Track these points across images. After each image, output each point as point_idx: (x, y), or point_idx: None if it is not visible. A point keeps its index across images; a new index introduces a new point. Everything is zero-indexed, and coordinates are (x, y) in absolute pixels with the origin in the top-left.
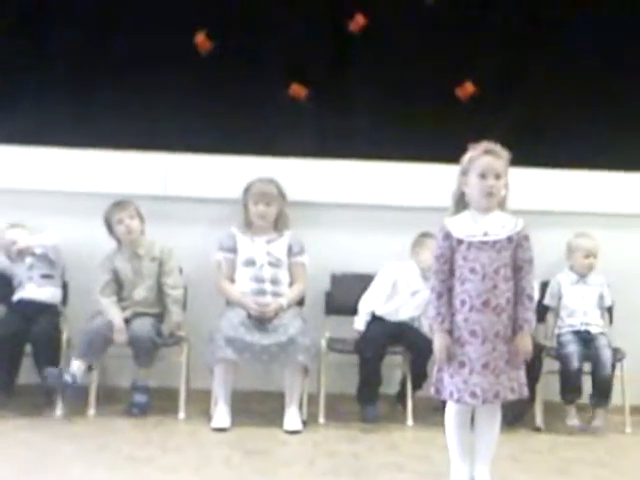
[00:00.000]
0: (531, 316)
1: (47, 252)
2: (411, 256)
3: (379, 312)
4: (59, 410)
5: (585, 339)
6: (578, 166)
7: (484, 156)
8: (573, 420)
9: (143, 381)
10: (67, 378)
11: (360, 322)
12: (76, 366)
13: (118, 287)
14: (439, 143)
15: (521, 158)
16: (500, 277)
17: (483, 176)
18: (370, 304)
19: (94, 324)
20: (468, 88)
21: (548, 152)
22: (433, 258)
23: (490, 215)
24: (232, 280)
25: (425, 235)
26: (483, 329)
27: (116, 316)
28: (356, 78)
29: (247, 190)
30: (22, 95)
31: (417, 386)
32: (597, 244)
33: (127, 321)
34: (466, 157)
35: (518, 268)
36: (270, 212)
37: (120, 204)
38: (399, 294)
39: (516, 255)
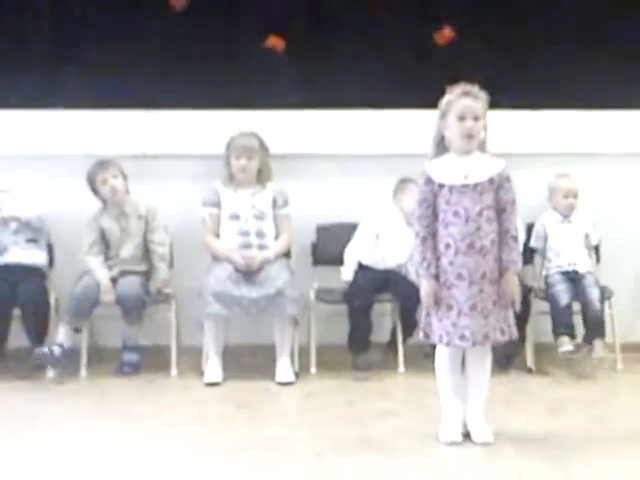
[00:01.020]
0: (516, 256)
1: (31, 221)
2: (393, 203)
3: (365, 261)
4: (50, 373)
5: (573, 279)
6: (558, 106)
7: (462, 98)
8: (567, 346)
9: (133, 340)
10: (55, 351)
11: (347, 272)
12: (62, 333)
13: (105, 246)
14: (419, 89)
15: (501, 100)
16: (483, 219)
17: (462, 118)
18: (355, 254)
19: (80, 286)
20: (447, 33)
21: (528, 94)
22: (416, 203)
23: (470, 157)
24: (217, 235)
25: (405, 180)
26: (469, 271)
27: (103, 276)
28: (333, 27)
29: (229, 145)
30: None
31: (408, 334)
32: (576, 184)
33: (114, 280)
34: (444, 100)
35: (501, 210)
36: (252, 165)
37: (103, 164)
38: (384, 242)
39: (498, 196)
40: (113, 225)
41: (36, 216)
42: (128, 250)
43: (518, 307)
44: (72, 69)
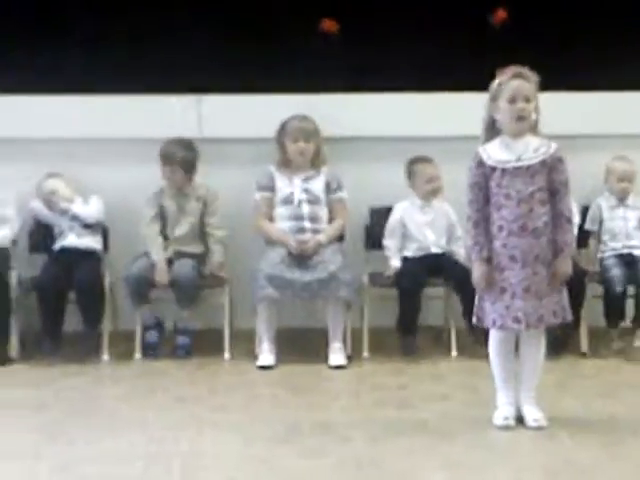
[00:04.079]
0: (570, 238)
1: (85, 220)
2: (409, 187)
3: (406, 253)
4: (105, 356)
5: (628, 262)
6: (615, 88)
7: (513, 80)
8: (618, 343)
9: (186, 323)
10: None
11: (394, 260)
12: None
13: (162, 224)
14: (473, 71)
15: (557, 82)
16: (536, 201)
17: (513, 100)
18: (391, 244)
19: (135, 268)
20: (500, 14)
21: (584, 75)
22: (467, 187)
23: (522, 140)
24: (271, 219)
25: (413, 162)
26: (522, 253)
27: (159, 255)
28: (387, 10)
29: (283, 128)
30: (53, 44)
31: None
32: (633, 167)
33: (169, 262)
34: (495, 82)
35: (554, 191)
36: (309, 148)
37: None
38: (411, 230)
39: (551, 178)
40: (171, 203)
41: (88, 216)
42: (183, 228)
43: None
44: (127, 55)
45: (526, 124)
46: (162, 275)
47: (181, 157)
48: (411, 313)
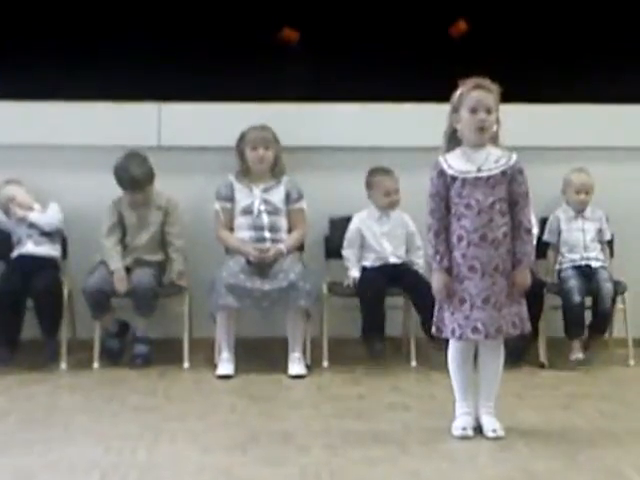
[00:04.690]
0: (530, 249)
1: (43, 227)
2: (368, 197)
3: (365, 263)
4: (63, 364)
5: (586, 274)
6: (574, 100)
7: (474, 91)
8: (577, 354)
9: (144, 332)
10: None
11: (353, 270)
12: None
13: (122, 233)
14: (433, 82)
15: (516, 94)
16: (496, 211)
17: (474, 111)
18: (349, 254)
19: (95, 279)
20: (461, 26)
21: (545, 87)
22: (428, 197)
23: (483, 150)
24: (231, 229)
25: (373, 172)
26: (482, 264)
27: (117, 263)
28: (347, 20)
29: (243, 137)
30: (18, 49)
31: (428, 328)
32: (591, 180)
33: (128, 270)
34: (456, 93)
35: (514, 202)
36: (268, 156)
37: (134, 160)
38: (369, 241)
39: (511, 189)
40: (131, 213)
41: (47, 224)
42: (143, 237)
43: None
44: (88, 61)
45: (487, 135)
46: (121, 283)
47: (136, 179)
48: (376, 319)
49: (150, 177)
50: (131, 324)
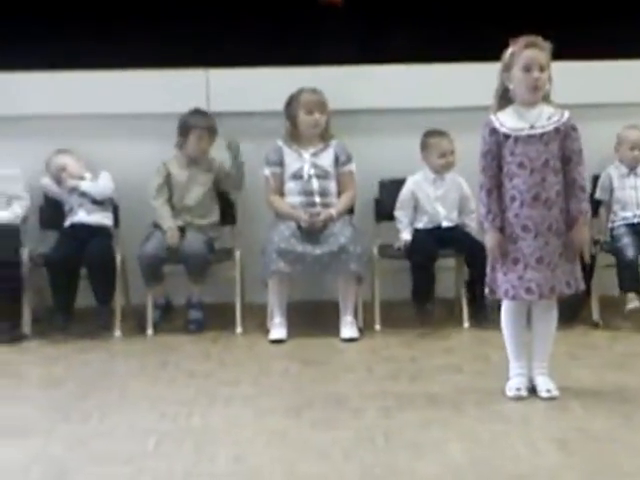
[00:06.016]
0: (585, 206)
1: (94, 196)
2: (422, 160)
3: (417, 226)
4: (117, 331)
5: (639, 231)
6: (627, 56)
7: (527, 49)
8: (634, 302)
9: (197, 297)
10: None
11: (405, 232)
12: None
13: (170, 193)
14: (481, 42)
15: (568, 51)
16: (549, 169)
17: (527, 69)
18: (402, 217)
19: (148, 248)
20: None
21: (596, 44)
22: (480, 155)
23: (536, 108)
24: (281, 194)
25: (428, 135)
26: (535, 224)
27: (170, 222)
28: None
29: (294, 100)
30: (67, 19)
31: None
32: None
33: (181, 230)
34: (508, 52)
35: (567, 159)
36: (322, 120)
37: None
38: (423, 203)
39: (564, 146)
40: (181, 172)
41: (98, 193)
42: (193, 199)
43: (588, 257)
44: (136, 31)
45: (540, 93)
46: (173, 238)
47: (206, 123)
48: (426, 283)
49: (215, 126)
50: (184, 290)
